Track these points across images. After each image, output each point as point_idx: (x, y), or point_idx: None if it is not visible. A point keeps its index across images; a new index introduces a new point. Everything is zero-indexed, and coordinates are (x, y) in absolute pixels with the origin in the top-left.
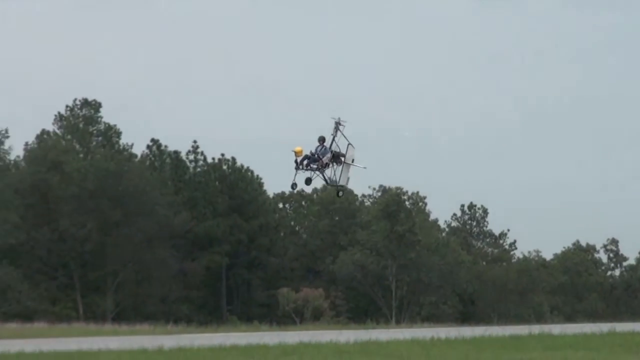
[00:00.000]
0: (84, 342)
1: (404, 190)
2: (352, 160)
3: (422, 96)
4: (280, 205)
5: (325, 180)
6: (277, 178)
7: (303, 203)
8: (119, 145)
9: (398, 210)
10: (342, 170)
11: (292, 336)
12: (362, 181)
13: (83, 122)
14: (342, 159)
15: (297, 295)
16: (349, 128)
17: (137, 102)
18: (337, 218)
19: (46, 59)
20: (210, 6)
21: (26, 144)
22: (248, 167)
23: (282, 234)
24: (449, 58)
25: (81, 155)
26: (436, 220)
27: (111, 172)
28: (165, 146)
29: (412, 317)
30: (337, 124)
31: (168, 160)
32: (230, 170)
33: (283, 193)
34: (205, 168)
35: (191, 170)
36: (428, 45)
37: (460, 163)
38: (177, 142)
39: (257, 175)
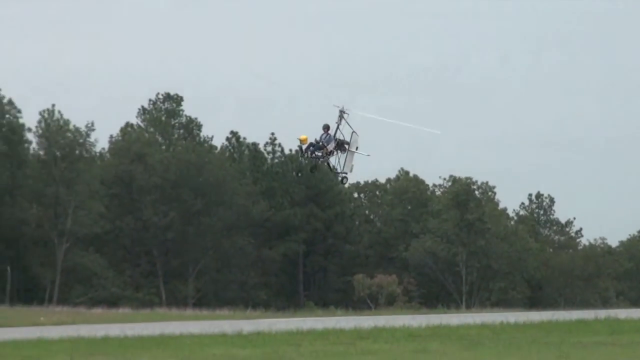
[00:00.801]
0: (167, 326)
1: (474, 180)
2: (356, 148)
3: (493, 91)
4: (355, 195)
5: (330, 167)
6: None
7: (377, 192)
8: (200, 138)
9: (468, 199)
10: (346, 157)
11: (366, 321)
12: (433, 171)
13: (165, 115)
14: (346, 146)
15: (372, 281)
16: (353, 117)
17: (218, 96)
18: (409, 207)
19: (130, 55)
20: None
21: (111, 136)
22: None
23: (357, 222)
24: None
25: (163, 147)
26: (505, 209)
27: (192, 164)
28: (244, 138)
29: (481, 302)
30: (342, 113)
31: (247, 151)
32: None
33: (358, 183)
34: (283, 159)
35: (269, 161)
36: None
37: (527, 154)
38: (255, 134)
39: (333, 166)
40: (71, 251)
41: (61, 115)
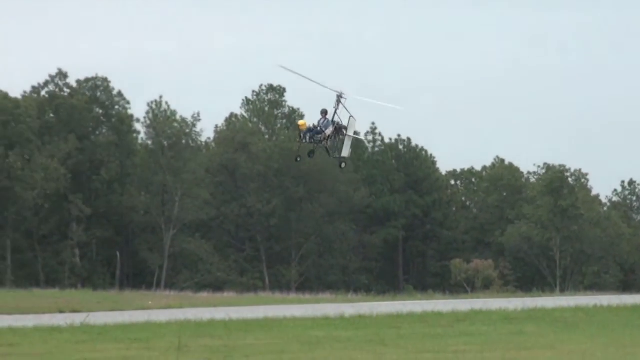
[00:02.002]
0: (271, 310)
1: (567, 167)
2: (354, 132)
3: (580, 79)
4: (452, 182)
5: (328, 152)
6: (449, 156)
7: (473, 180)
8: None
9: (561, 186)
10: (344, 142)
11: (463, 304)
12: (527, 159)
13: (268, 106)
14: (344, 131)
15: (468, 265)
16: (350, 101)
17: (318, 87)
18: (504, 194)
19: (235, 47)
20: None
21: (216, 126)
22: (422, 147)
23: (454, 208)
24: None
25: (267, 137)
26: (598, 196)
27: (294, 152)
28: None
29: (575, 285)
30: (339, 97)
31: None
32: (405, 149)
33: (455, 170)
34: (383, 148)
35: (370, 150)
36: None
37: (620, 142)
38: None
39: (431, 154)
40: (178, 237)
41: (168, 106)
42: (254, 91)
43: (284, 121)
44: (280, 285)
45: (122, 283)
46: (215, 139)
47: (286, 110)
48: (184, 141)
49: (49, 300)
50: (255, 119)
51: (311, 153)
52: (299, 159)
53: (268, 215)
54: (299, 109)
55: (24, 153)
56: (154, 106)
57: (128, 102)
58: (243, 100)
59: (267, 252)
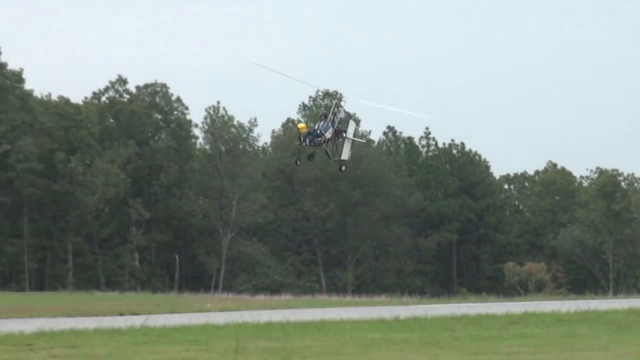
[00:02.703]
0: (327, 312)
1: (620, 171)
2: (353, 135)
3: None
4: (506, 186)
5: (328, 155)
6: (502, 161)
7: (526, 184)
8: (358, 132)
9: (614, 190)
10: (344, 145)
11: (517, 306)
12: (580, 163)
13: (325, 111)
14: (344, 134)
15: (522, 268)
16: (350, 104)
17: (374, 92)
18: (557, 198)
19: (291, 53)
20: None
21: (273, 131)
22: (476, 151)
23: (507, 212)
24: None
25: None
26: None
27: (351, 157)
28: (400, 132)
29: (628, 288)
30: (339, 100)
31: (403, 145)
32: (459, 154)
33: (508, 175)
34: (437, 152)
35: (424, 154)
36: None
37: None
38: (411, 129)
39: (484, 159)
40: (235, 240)
41: (226, 111)
42: (310, 96)
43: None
44: (336, 287)
45: (180, 286)
46: (272, 143)
47: (342, 115)
48: (241, 146)
49: (109, 303)
50: (312, 124)
51: (311, 156)
52: (298, 163)
53: (324, 219)
54: (354, 114)
55: (84, 158)
56: (211, 111)
57: (186, 108)
58: (299, 105)
59: (323, 256)
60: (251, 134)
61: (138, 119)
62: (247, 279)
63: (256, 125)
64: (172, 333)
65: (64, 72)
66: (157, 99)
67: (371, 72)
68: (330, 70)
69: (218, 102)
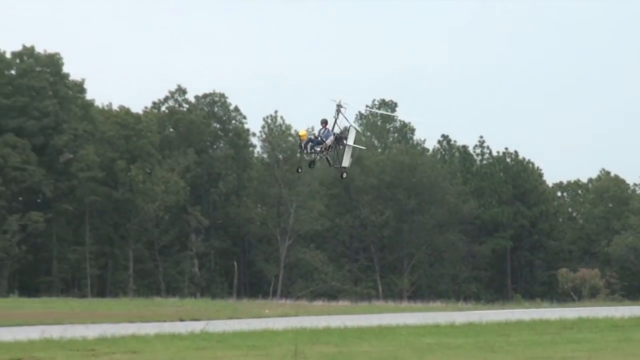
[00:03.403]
0: (383, 318)
1: None
2: (354, 142)
3: None
4: (559, 194)
5: (329, 162)
6: (556, 169)
7: (579, 192)
8: (413, 141)
9: None
10: (344, 152)
11: (571, 312)
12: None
13: (381, 120)
14: (345, 141)
15: (575, 274)
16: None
17: (429, 102)
18: (610, 205)
19: (346, 63)
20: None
21: None
22: (529, 160)
23: (560, 219)
24: None
25: (379, 150)
26: None
27: (406, 165)
28: (455, 141)
29: None
30: (339, 107)
31: (457, 153)
32: (513, 162)
33: (561, 183)
34: (491, 160)
35: (478, 162)
36: None
37: None
38: (465, 137)
39: (538, 167)
40: (293, 247)
41: (283, 120)
42: (367, 106)
43: (396, 135)
44: (392, 294)
45: (239, 292)
46: None
47: (398, 124)
48: (298, 154)
49: (169, 309)
50: (368, 133)
51: (312, 163)
52: (300, 170)
53: (381, 226)
54: (409, 122)
55: (145, 166)
56: (269, 121)
57: (244, 117)
58: (356, 114)
59: (380, 262)
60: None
61: (197, 128)
62: (305, 285)
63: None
64: (232, 338)
65: (124, 83)
66: (216, 109)
67: (425, 80)
68: (386, 78)
69: (275, 112)
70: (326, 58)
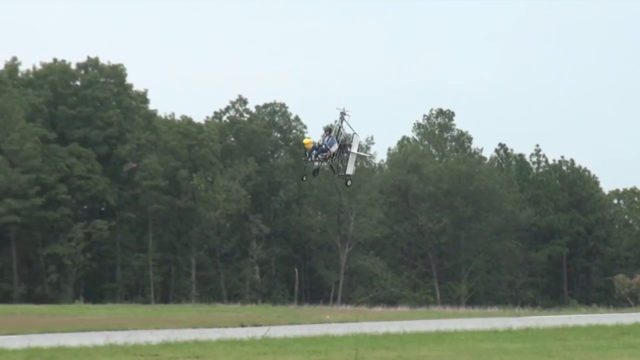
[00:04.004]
0: (442, 323)
1: None
2: (358, 150)
3: None
4: (615, 201)
5: (333, 170)
6: (611, 176)
7: (635, 199)
8: (470, 150)
9: None
10: (348, 159)
11: (627, 317)
12: None
13: (438, 129)
14: (349, 148)
15: (632, 280)
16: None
17: (486, 111)
18: None
19: (406, 73)
20: None
21: (389, 149)
22: (585, 168)
23: (616, 226)
24: None
25: (437, 159)
26: None
27: (463, 174)
28: (511, 149)
29: None
30: (342, 114)
31: (514, 162)
32: (569, 170)
33: (617, 190)
34: (547, 169)
35: (534, 170)
36: None
37: None
38: (521, 146)
39: (594, 175)
40: (353, 254)
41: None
42: (424, 115)
43: (453, 143)
44: (450, 299)
45: (300, 298)
46: (388, 161)
47: (455, 133)
48: (358, 163)
49: (231, 315)
50: (426, 142)
51: (316, 172)
52: (304, 179)
53: (439, 234)
54: (467, 131)
55: (207, 175)
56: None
57: (305, 127)
58: (414, 124)
59: (437, 269)
60: (368, 152)
61: (258, 138)
62: (365, 292)
63: (373, 143)
64: (293, 343)
65: (185, 93)
66: (276, 118)
67: (481, 89)
68: (443, 87)
69: (335, 121)
70: (381, 67)
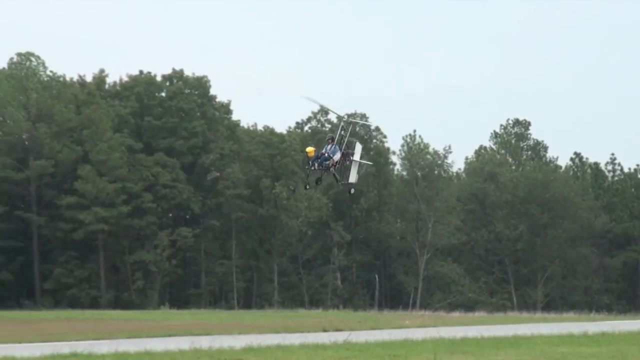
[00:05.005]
0: (518, 328)
1: None
2: (360, 158)
3: None
4: None
5: (336, 178)
6: None
7: None
8: (546, 158)
9: None
10: (351, 168)
11: None
12: None
13: (515, 138)
14: (351, 157)
15: None
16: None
17: (562, 121)
18: None
19: (481, 85)
20: None
21: (466, 158)
22: None
23: None
24: None
25: (513, 167)
26: None
27: (539, 182)
28: (587, 158)
29: None
30: (345, 123)
31: (589, 170)
32: None
33: None
34: (622, 177)
35: (609, 179)
36: None
37: None
38: (596, 155)
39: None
40: (431, 261)
41: (421, 139)
42: (501, 125)
43: (529, 152)
44: (526, 305)
45: (380, 304)
46: (465, 169)
47: (531, 142)
48: (436, 172)
49: (313, 320)
50: (503, 151)
51: (319, 180)
52: (308, 187)
53: (515, 240)
54: (542, 140)
55: (289, 184)
56: (408, 139)
57: (385, 136)
58: (491, 133)
59: (514, 275)
60: (446, 161)
61: None
62: (443, 297)
63: (450, 152)
64: (374, 348)
65: (267, 104)
66: (357, 128)
67: (556, 98)
68: (519, 97)
69: (414, 131)
70: (464, 80)
